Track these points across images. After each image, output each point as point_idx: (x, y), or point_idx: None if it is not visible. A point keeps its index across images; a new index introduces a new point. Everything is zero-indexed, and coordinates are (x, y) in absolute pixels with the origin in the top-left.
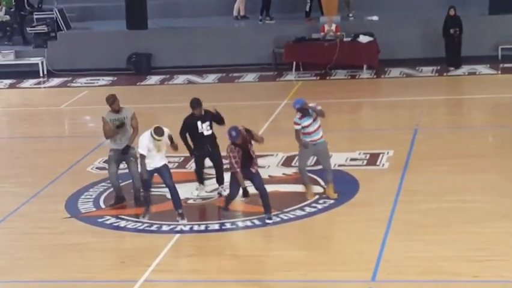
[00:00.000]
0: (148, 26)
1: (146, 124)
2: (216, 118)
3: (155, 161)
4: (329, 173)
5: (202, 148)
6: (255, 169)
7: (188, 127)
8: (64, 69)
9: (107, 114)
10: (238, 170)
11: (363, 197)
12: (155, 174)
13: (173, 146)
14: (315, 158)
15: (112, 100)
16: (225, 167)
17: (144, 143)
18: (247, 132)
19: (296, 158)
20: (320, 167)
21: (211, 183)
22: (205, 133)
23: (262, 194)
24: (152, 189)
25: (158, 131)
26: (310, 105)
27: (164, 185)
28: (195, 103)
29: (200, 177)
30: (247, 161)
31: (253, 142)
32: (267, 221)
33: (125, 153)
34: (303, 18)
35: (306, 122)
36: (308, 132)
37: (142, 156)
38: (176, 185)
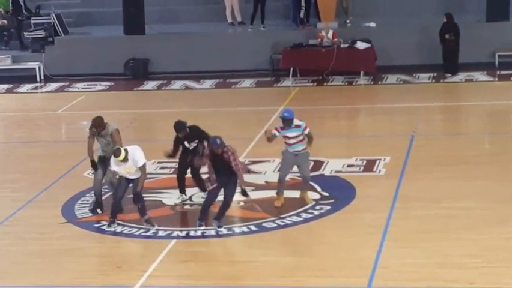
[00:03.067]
0: (146, 32)
1: (143, 129)
2: (203, 136)
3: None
4: (306, 181)
5: (185, 157)
6: (235, 181)
7: (177, 146)
8: (61, 74)
9: (93, 129)
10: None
11: (359, 203)
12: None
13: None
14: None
15: (97, 124)
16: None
17: (111, 162)
18: (226, 153)
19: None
20: (316, 173)
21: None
22: (191, 148)
23: (224, 204)
24: (148, 196)
25: (116, 153)
26: (305, 132)
27: (160, 191)
28: (178, 127)
29: (180, 185)
30: (225, 170)
31: (234, 157)
32: (218, 228)
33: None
34: (297, 26)
35: (287, 133)
36: (290, 143)
37: (114, 173)
38: (169, 191)
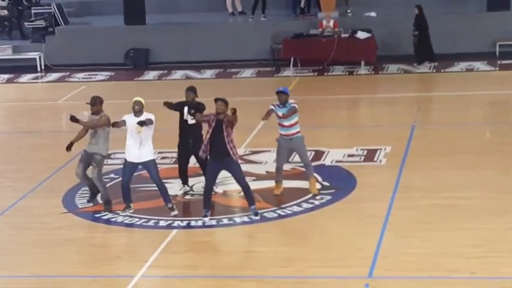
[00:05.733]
0: (146, 21)
1: None
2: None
3: (133, 150)
4: (308, 167)
5: (185, 141)
6: (235, 159)
7: (176, 108)
8: (61, 64)
9: (89, 117)
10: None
11: (360, 193)
12: (140, 167)
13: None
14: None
15: (92, 102)
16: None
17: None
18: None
19: (295, 154)
20: (317, 163)
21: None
22: (189, 121)
23: (245, 189)
24: (149, 186)
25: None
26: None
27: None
28: (188, 88)
29: (182, 175)
30: (221, 147)
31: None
32: (253, 217)
33: (71, 119)
34: (297, 15)
35: (282, 111)
36: (283, 125)
37: (122, 122)
38: (172, 181)
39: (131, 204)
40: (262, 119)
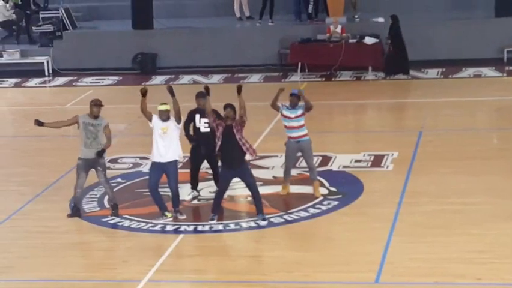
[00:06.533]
0: (154, 26)
1: None
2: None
3: (160, 151)
4: (313, 171)
5: (198, 147)
6: (252, 156)
7: (189, 119)
8: (69, 68)
9: (84, 116)
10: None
11: (367, 198)
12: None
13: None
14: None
15: (93, 103)
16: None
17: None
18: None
19: (301, 160)
20: (324, 168)
21: (213, 184)
22: (202, 130)
23: (255, 196)
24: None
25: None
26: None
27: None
28: (197, 94)
29: (193, 179)
30: (235, 153)
31: (244, 136)
32: (261, 222)
33: (99, 156)
34: (300, 20)
35: (288, 113)
36: (293, 126)
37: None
38: (179, 185)
39: (166, 213)
40: (272, 104)
